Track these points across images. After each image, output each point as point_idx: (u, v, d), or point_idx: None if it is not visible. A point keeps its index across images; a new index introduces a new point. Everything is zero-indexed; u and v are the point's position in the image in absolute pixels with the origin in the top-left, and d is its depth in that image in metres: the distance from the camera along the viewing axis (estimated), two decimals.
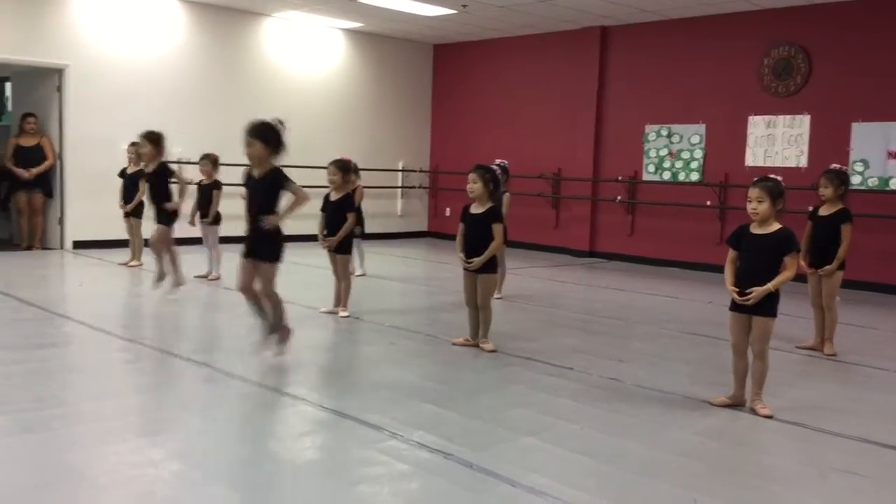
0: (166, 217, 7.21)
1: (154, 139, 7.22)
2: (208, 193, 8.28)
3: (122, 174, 8.99)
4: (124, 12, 10.42)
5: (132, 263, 8.92)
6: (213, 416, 4.03)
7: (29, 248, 10.13)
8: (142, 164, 7.49)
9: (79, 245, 10.25)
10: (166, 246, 7.18)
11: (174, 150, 10.68)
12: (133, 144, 8.88)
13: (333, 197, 6.55)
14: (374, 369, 5.14)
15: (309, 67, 12.36)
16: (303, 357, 5.33)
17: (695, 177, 10.72)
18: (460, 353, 5.47)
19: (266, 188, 4.82)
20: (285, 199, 4.93)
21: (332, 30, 12.53)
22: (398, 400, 4.35)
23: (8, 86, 11.88)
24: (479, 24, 11.82)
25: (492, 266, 5.56)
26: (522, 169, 11.78)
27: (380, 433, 3.75)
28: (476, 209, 5.53)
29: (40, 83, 10.36)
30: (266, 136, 4.81)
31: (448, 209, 13.71)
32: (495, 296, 7.31)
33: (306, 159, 11.89)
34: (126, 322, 6.45)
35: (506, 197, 7.44)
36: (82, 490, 3.04)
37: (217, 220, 8.32)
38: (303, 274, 8.92)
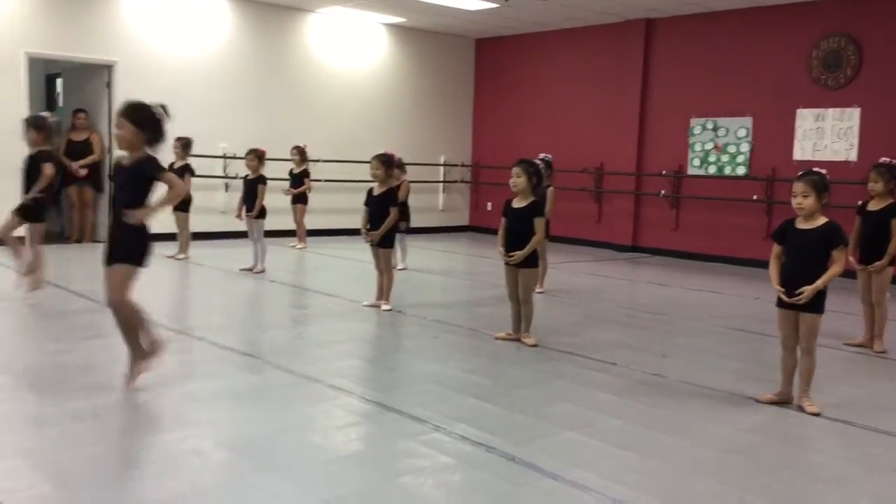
0: (39, 212, 6.63)
1: (36, 124, 6.60)
2: (253, 188, 8.40)
3: (170, 168, 9.14)
4: (171, 9, 10.59)
5: (179, 256, 9.08)
6: (258, 406, 4.10)
7: (79, 240, 10.38)
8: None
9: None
10: (34, 243, 6.56)
11: (220, 146, 10.92)
12: (178, 139, 9.04)
13: (376, 191, 6.59)
14: (416, 362, 5.17)
15: (352, 63, 12.43)
16: (346, 349, 5.38)
17: (741, 171, 10.56)
18: (502, 348, 5.48)
19: (132, 178, 4.13)
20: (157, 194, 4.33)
21: (375, 25, 12.58)
22: (441, 393, 4.37)
23: (59, 82, 12.17)
24: (521, 17, 11.78)
25: (533, 260, 5.55)
26: (565, 163, 11.72)
27: (423, 426, 3.78)
28: (518, 203, 5.52)
29: (90, 79, 10.58)
30: (140, 119, 4.13)
31: (489, 203, 13.69)
32: (537, 290, 7.30)
33: (349, 154, 12.02)
34: (173, 313, 6.57)
35: (550, 191, 7.42)
36: (134, 477, 3.12)
37: (262, 214, 8.43)
38: (346, 268, 9.01)
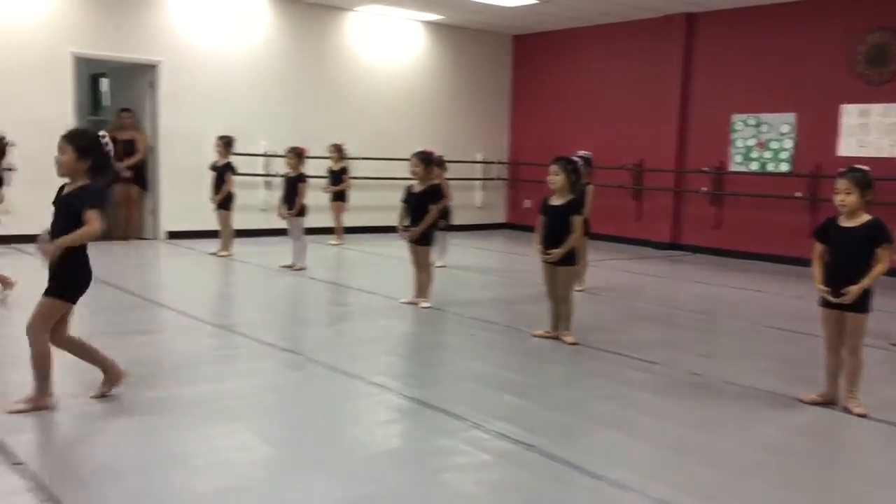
0: None
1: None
2: (293, 186, 8.49)
3: (213, 167, 9.29)
4: (214, 9, 10.74)
5: (222, 253, 9.22)
6: (301, 402, 4.16)
7: (125, 238, 10.58)
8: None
9: (172, 235, 10.65)
10: None
11: (261, 144, 11.05)
12: (220, 138, 9.18)
13: (416, 189, 6.62)
14: (455, 360, 5.20)
15: (389, 60, 12.49)
16: (386, 346, 5.43)
17: (784, 167, 10.41)
18: (541, 345, 5.48)
19: (67, 206, 3.76)
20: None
21: (412, 22, 12.63)
22: (479, 390, 4.39)
23: (105, 81, 12.41)
24: (559, 13, 11.73)
25: (572, 258, 5.54)
26: (603, 160, 11.62)
27: (462, 423, 3.80)
28: (556, 201, 5.51)
29: (135, 79, 10.78)
30: (82, 145, 3.78)
31: (527, 201, 13.67)
32: (577, 288, 7.28)
33: (386, 151, 12.08)
34: (217, 310, 6.68)
35: (590, 189, 7.39)
36: (180, 471, 3.19)
37: (302, 211, 8.52)
38: (384, 265, 9.06)
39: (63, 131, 3.86)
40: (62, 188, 3.88)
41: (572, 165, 5.51)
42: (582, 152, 7.57)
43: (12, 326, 4.44)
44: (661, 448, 3.60)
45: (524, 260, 9.91)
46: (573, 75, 12.93)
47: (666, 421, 3.99)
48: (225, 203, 9.16)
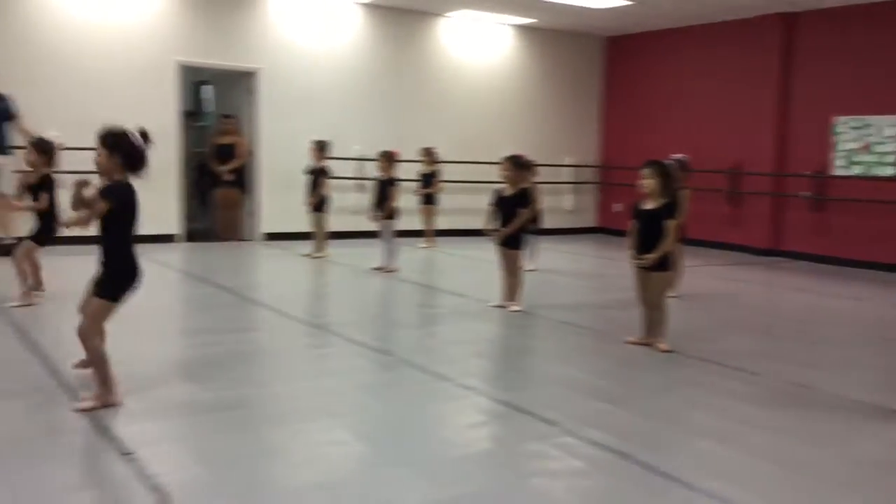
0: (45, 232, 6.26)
1: (42, 147, 6.27)
2: (385, 189, 8.61)
3: (308, 171, 9.52)
4: (309, 18, 11.02)
5: (316, 255, 9.44)
6: (393, 401, 4.22)
7: (226, 239, 10.96)
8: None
9: (269, 237, 10.97)
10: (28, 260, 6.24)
11: (354, 148, 11.26)
12: (315, 142, 9.39)
13: (507, 192, 6.63)
14: (546, 364, 5.18)
15: (479, 64, 12.54)
16: (476, 349, 5.45)
17: (890, 171, 9.93)
18: (634, 352, 5.39)
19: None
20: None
21: (503, 26, 12.64)
22: (571, 396, 4.36)
23: (207, 88, 12.89)
24: (652, 14, 11.53)
25: (666, 264, 5.44)
26: (698, 164, 11.32)
27: (553, 428, 3.79)
28: (649, 205, 5.42)
29: (236, 85, 11.17)
30: (111, 143, 3.82)
31: (617, 205, 13.47)
32: (671, 294, 7.14)
33: (477, 155, 12.12)
34: (311, 309, 6.85)
35: (685, 193, 7.24)
36: (277, 465, 3.29)
37: (393, 214, 8.64)
38: (474, 268, 9.09)
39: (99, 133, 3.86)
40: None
41: (665, 169, 5.41)
42: (677, 155, 7.43)
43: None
44: (757, 459, 3.50)
45: (615, 264, 9.77)
46: (666, 77, 12.68)
47: (763, 432, 3.87)
48: (319, 205, 9.38)
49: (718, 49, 11.87)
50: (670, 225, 5.31)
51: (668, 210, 5.36)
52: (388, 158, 8.69)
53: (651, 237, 5.34)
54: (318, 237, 9.52)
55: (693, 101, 12.25)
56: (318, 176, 9.33)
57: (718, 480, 3.22)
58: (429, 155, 10.78)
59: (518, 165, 6.62)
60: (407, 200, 10.17)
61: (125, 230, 3.84)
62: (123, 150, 3.80)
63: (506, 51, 12.79)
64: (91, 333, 3.82)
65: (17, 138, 8.42)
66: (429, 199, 10.84)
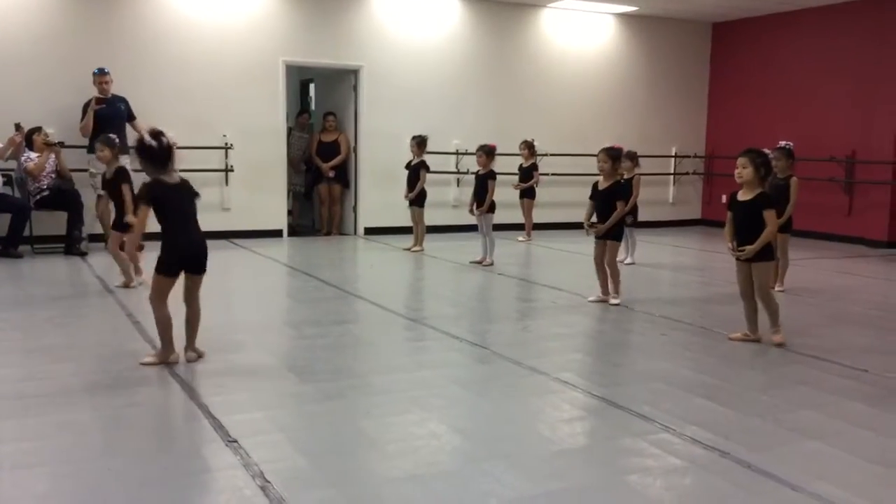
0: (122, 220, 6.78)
1: (107, 142, 6.93)
2: (483, 183, 8.64)
3: (408, 166, 9.64)
4: (410, 15, 11.14)
5: (415, 249, 9.56)
6: (488, 395, 4.24)
7: (328, 233, 11.25)
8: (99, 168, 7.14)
9: (369, 231, 11.18)
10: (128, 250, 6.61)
11: (453, 142, 11.33)
12: (414, 138, 9.50)
13: (602, 185, 6.54)
14: (644, 360, 5.09)
15: (580, 55, 12.37)
16: (572, 344, 5.41)
17: None
18: (737, 348, 5.23)
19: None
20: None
21: (605, 16, 12.43)
22: (670, 392, 4.27)
23: (312, 87, 13.24)
24: None
25: (767, 253, 5.25)
26: (809, 152, 10.91)
27: (651, 425, 3.72)
28: (744, 196, 5.24)
29: (339, 83, 11.42)
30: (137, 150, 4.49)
31: (724, 196, 13.05)
32: (777, 288, 6.89)
33: (577, 147, 11.99)
34: (409, 303, 6.94)
35: (794, 182, 6.97)
36: (374, 455, 3.36)
37: (492, 208, 8.65)
38: (572, 261, 9.00)
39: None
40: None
41: (762, 158, 5.22)
42: (783, 142, 7.15)
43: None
44: (870, 462, 3.34)
45: (719, 257, 9.48)
46: (777, 62, 12.18)
47: (876, 433, 3.69)
48: (419, 200, 9.49)
49: (834, 32, 11.31)
50: (769, 215, 5.13)
51: (765, 200, 5.17)
52: (487, 152, 8.70)
53: (748, 229, 5.17)
54: (417, 231, 9.64)
55: (803, 87, 11.74)
56: (417, 170, 9.45)
57: (824, 481, 3.09)
58: (529, 148, 10.73)
59: (614, 157, 6.52)
60: (505, 194, 10.17)
61: (167, 217, 4.45)
62: (142, 153, 4.42)
63: (608, 40, 12.58)
64: (153, 301, 4.50)
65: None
66: (528, 193, 10.81)
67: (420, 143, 9.50)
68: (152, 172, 4.43)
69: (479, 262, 8.58)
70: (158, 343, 4.59)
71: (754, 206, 5.16)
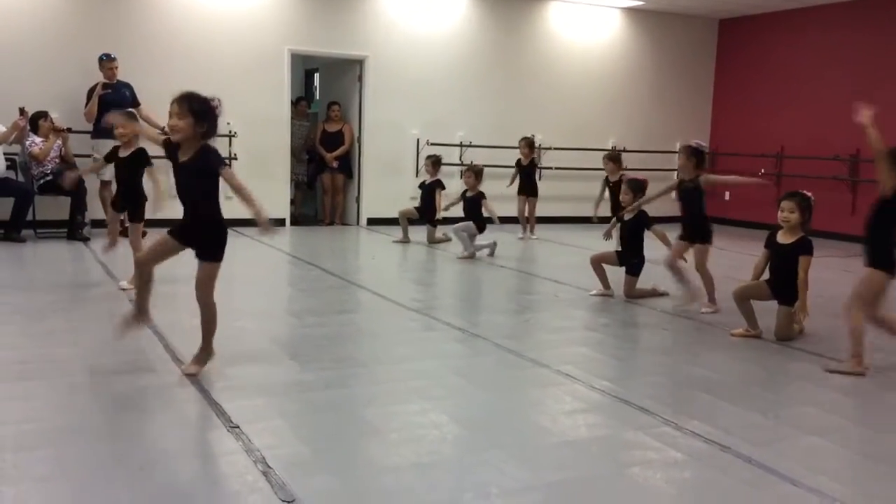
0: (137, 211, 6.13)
1: (133, 117, 6.26)
2: (476, 203, 8.77)
3: (422, 185, 9.71)
4: (416, 5, 11.11)
5: (403, 241, 9.55)
6: (490, 386, 4.25)
7: (331, 223, 11.25)
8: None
9: (372, 222, 11.18)
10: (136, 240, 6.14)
11: (457, 134, 11.32)
12: (429, 157, 9.47)
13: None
14: (645, 354, 5.09)
15: (586, 49, 12.34)
16: (574, 337, 5.42)
17: None
18: (738, 345, 5.24)
19: (199, 170, 4.01)
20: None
21: (611, 10, 12.39)
22: (671, 387, 4.28)
23: (316, 76, 13.22)
24: None
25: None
26: (814, 150, 10.92)
27: (652, 418, 3.73)
28: (785, 238, 5.23)
29: (344, 73, 11.41)
30: (198, 110, 3.92)
31: (727, 193, 13.03)
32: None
33: (583, 142, 11.98)
34: (411, 293, 6.94)
35: (702, 179, 6.40)
36: (375, 444, 3.37)
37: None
38: (575, 255, 9.00)
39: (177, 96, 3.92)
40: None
41: (807, 202, 5.23)
42: (695, 142, 6.67)
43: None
44: (869, 458, 3.35)
45: (722, 254, 9.47)
46: (784, 60, 12.16)
47: (877, 431, 3.70)
48: (434, 220, 9.44)
49: (842, 29, 11.28)
50: (804, 261, 5.11)
51: (805, 246, 5.16)
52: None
53: (786, 274, 5.17)
54: (404, 225, 9.57)
55: (809, 84, 11.72)
56: (432, 190, 9.41)
57: (824, 476, 3.10)
58: (529, 146, 10.29)
59: (634, 189, 6.57)
60: (499, 188, 10.16)
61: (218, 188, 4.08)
62: (211, 119, 3.97)
63: (613, 35, 12.55)
64: (212, 295, 4.13)
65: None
66: (530, 191, 10.46)
67: (435, 162, 9.46)
68: (210, 139, 4.02)
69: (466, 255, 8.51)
70: (166, 336, 4.54)
71: (794, 251, 5.14)
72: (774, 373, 4.67)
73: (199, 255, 4.10)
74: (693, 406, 3.94)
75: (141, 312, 4.28)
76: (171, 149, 4.02)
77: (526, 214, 10.41)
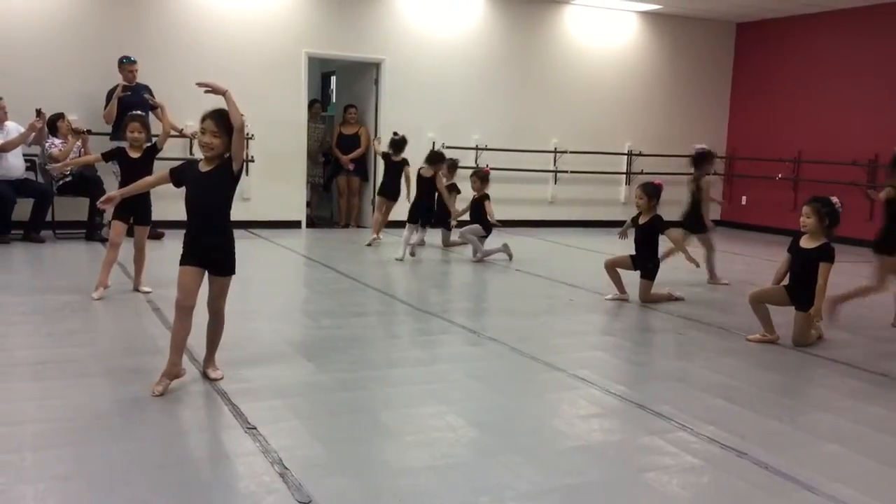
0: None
1: (144, 122, 6.20)
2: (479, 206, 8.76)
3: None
4: (432, 9, 11.14)
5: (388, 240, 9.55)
6: (505, 389, 4.25)
7: (346, 226, 11.29)
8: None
9: (387, 224, 11.16)
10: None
11: (473, 137, 11.32)
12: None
13: (642, 220, 6.59)
14: (662, 359, 5.08)
15: (604, 53, 12.32)
16: (590, 341, 5.41)
17: None
18: (755, 350, 5.21)
19: (221, 179, 3.95)
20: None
21: (628, 13, 12.37)
22: (687, 392, 4.26)
23: (333, 79, 13.27)
24: None
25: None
26: (831, 155, 10.85)
27: (668, 423, 3.72)
28: (807, 243, 5.24)
29: (360, 76, 11.44)
30: (229, 127, 3.94)
31: (744, 197, 12.97)
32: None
33: (599, 145, 11.95)
34: (426, 296, 6.95)
35: (704, 181, 6.92)
36: (390, 446, 3.38)
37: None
38: (592, 259, 8.98)
39: (211, 113, 4.02)
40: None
41: (828, 208, 5.21)
42: (698, 146, 6.90)
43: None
44: (885, 465, 3.32)
45: (738, 259, 9.44)
46: (799, 64, 12.11)
47: (894, 437, 3.66)
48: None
49: (861, 34, 11.22)
50: (825, 268, 5.10)
51: (826, 252, 5.14)
52: (482, 178, 8.76)
53: (806, 278, 5.17)
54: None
55: (826, 89, 11.65)
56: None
57: (841, 484, 3.08)
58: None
59: (649, 194, 6.61)
60: (524, 191, 10.15)
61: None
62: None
63: (630, 38, 12.52)
64: (224, 308, 4.11)
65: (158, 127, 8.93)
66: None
67: (450, 167, 9.40)
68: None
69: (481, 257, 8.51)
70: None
71: (815, 256, 5.14)
72: (792, 379, 4.65)
73: (215, 272, 3.98)
74: (709, 411, 3.93)
75: (176, 365, 3.96)
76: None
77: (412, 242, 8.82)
